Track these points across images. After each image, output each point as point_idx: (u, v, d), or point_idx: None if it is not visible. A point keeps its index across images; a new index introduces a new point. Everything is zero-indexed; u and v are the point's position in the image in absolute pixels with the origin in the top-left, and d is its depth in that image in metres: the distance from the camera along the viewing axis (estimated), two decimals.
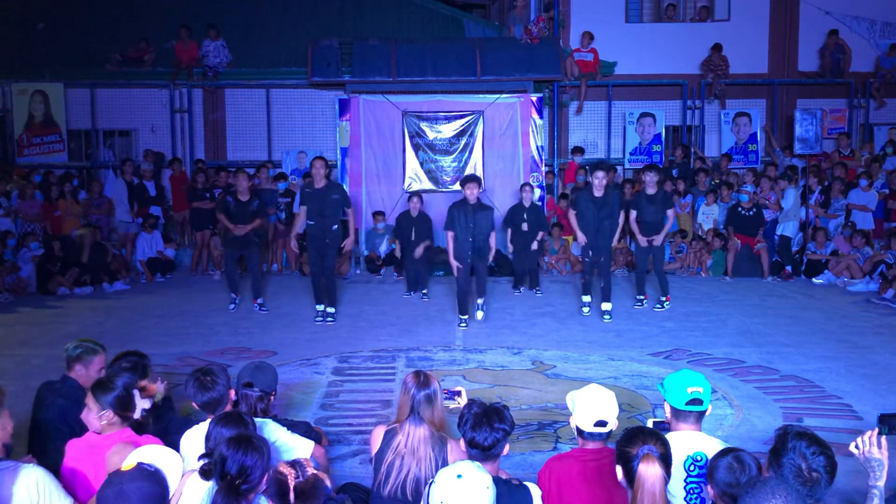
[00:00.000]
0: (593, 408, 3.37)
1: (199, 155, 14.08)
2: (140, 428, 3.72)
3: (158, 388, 4.33)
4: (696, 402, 3.38)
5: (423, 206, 11.09)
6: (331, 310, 8.96)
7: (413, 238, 10.68)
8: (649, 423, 3.61)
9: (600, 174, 8.79)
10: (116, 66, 14.00)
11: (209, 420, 3.47)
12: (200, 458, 3.06)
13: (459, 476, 2.76)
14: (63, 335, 4.45)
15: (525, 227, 10.55)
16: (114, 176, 13.15)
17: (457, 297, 8.86)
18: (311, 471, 2.79)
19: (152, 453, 3.13)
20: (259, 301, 9.49)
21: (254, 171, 12.98)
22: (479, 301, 9.03)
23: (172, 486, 3.09)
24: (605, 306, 9.03)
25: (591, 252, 8.95)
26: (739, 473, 2.83)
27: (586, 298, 9.24)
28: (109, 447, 3.40)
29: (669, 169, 13.56)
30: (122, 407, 3.51)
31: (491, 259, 8.92)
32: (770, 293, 10.70)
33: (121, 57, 14.05)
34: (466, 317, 8.81)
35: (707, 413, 3.46)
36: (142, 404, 3.64)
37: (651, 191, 9.33)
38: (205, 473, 2.98)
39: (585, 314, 9.17)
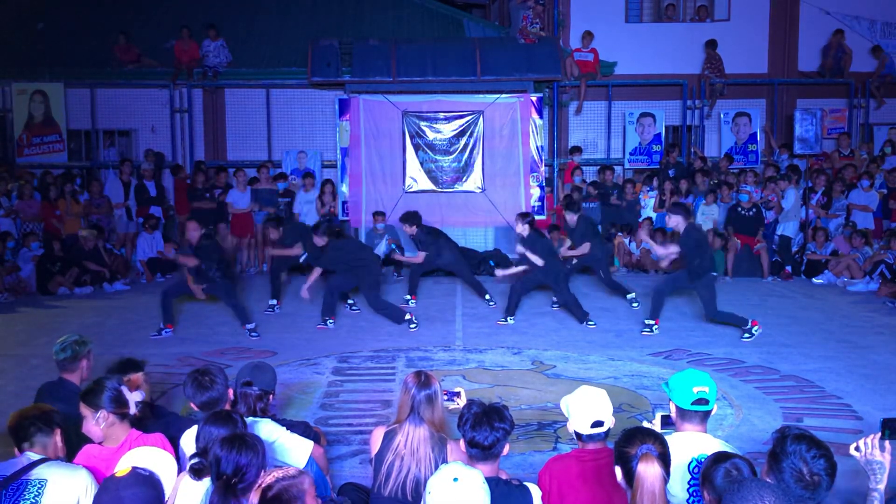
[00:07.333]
0: (588, 409, 3.38)
1: (199, 155, 14.09)
2: (140, 424, 3.70)
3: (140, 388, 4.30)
4: (701, 401, 3.38)
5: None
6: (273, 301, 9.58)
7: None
8: (657, 418, 3.59)
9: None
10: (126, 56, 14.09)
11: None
12: (192, 457, 3.06)
13: (455, 479, 2.75)
14: (63, 335, 4.43)
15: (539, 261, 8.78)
16: (113, 176, 13.15)
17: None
18: (275, 481, 2.63)
19: (146, 456, 3.13)
20: (249, 326, 8.44)
21: (255, 171, 13.07)
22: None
23: (167, 488, 3.09)
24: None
25: None
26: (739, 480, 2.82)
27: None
28: (117, 456, 3.37)
29: (665, 170, 13.54)
30: (118, 404, 3.46)
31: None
32: (770, 293, 10.69)
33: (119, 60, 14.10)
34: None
35: (713, 412, 3.46)
36: (134, 397, 3.55)
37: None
38: (196, 472, 2.97)
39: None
